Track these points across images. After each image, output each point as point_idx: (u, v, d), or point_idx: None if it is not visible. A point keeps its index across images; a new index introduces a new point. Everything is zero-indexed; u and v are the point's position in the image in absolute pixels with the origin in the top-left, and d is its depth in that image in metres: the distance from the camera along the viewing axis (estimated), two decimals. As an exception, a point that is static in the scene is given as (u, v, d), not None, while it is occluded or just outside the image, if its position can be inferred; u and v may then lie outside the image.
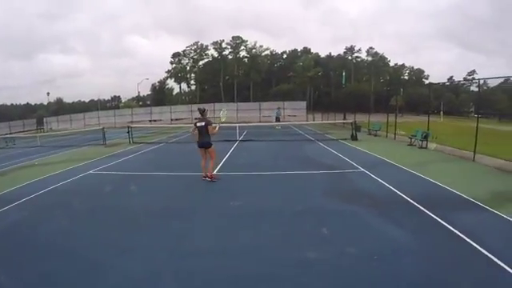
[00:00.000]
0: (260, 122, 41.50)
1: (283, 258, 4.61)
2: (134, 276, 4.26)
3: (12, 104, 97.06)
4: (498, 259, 4.31)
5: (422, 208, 6.52)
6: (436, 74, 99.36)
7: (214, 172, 9.59)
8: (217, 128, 9.71)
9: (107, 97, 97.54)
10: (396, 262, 4.42)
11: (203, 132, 9.26)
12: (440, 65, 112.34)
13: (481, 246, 4.70)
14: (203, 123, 9.31)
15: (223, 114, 11.16)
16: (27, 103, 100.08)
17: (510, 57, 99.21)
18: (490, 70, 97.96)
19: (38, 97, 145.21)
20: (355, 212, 6.49)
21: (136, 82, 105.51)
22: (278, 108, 36.15)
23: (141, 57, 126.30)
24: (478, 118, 13.06)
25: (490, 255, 4.44)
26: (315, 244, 5.04)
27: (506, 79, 48.38)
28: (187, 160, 12.97)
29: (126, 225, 6.23)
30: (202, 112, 9.56)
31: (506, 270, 4.09)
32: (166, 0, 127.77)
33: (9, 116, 64.49)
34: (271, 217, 6.39)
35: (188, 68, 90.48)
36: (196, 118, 9.88)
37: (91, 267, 4.49)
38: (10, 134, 42.29)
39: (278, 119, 32.72)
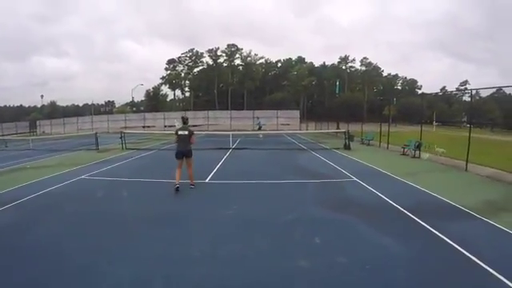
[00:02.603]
0: (254, 130, 41.52)
1: (274, 267, 4.55)
2: (123, 282, 4.19)
3: (5, 106, 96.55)
4: (490, 268, 4.32)
5: (414, 217, 6.51)
6: (428, 84, 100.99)
7: (207, 180, 9.53)
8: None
9: (101, 101, 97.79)
10: (388, 272, 4.38)
11: (186, 141, 9.26)
12: (432, 74, 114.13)
13: (473, 255, 4.70)
14: (186, 132, 9.33)
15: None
16: (21, 105, 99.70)
17: (501, 67, 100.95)
18: (482, 79, 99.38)
19: (32, 99, 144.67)
20: (347, 221, 6.46)
21: (129, 87, 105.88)
22: (258, 117, 36.24)
23: (134, 62, 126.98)
24: (470, 127, 13.15)
25: (482, 264, 4.45)
26: (307, 253, 4.99)
27: (498, 89, 48.93)
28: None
29: (116, 231, 6.14)
30: (186, 120, 9.85)
31: (497, 278, 4.10)
32: (159, 6, 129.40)
33: (1, 118, 63.95)
34: (262, 225, 6.33)
35: (183, 75, 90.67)
36: (176, 127, 9.99)
37: (80, 273, 4.41)
38: (3, 136, 41.90)
39: (259, 128, 32.74)
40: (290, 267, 4.55)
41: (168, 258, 4.91)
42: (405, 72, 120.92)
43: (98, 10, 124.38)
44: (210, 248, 5.24)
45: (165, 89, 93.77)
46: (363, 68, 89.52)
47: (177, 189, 8.85)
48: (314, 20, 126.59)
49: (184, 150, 9.23)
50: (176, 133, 9.43)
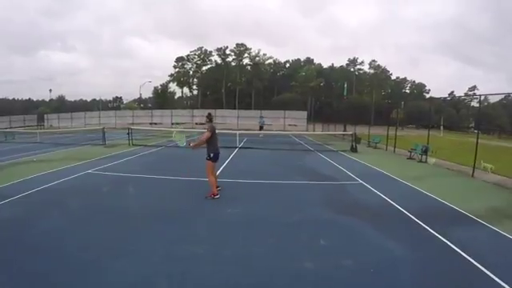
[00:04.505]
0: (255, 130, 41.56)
1: (278, 268, 4.58)
2: (126, 279, 4.22)
3: (14, 99, 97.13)
4: (493, 274, 4.32)
5: (419, 221, 6.51)
6: (436, 88, 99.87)
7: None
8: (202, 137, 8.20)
9: (109, 97, 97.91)
10: (392, 275, 4.40)
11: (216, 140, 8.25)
12: (440, 78, 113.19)
13: (477, 261, 4.70)
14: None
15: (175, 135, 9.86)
16: (29, 99, 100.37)
17: (509, 72, 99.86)
18: (490, 84, 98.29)
19: (40, 93, 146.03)
20: (352, 224, 6.47)
21: (137, 84, 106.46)
22: (261, 117, 35.91)
23: (142, 59, 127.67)
24: (477, 133, 13.09)
25: (485, 270, 4.45)
26: (311, 255, 5.01)
27: (507, 95, 48.54)
28: (186, 165, 12.98)
29: (121, 226, 6.19)
30: (212, 118, 8.53)
31: (500, 284, 4.10)
32: (167, 4, 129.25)
33: (10, 110, 64.35)
34: (268, 226, 6.36)
35: (191, 73, 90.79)
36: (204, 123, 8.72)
37: (84, 268, 4.45)
38: (11, 128, 42.25)
39: (261, 128, 32.71)
40: (295, 268, 4.57)
41: (172, 255, 4.95)
42: (413, 76, 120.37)
43: (105, 6, 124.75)
44: (214, 246, 5.27)
45: (173, 86, 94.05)
46: (372, 71, 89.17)
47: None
48: (321, 21, 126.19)
49: (219, 151, 8.36)
50: (213, 131, 8.13)
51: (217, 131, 8.39)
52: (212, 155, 8.10)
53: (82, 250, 5.04)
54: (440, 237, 5.69)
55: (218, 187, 8.32)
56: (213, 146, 8.13)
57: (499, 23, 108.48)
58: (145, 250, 5.08)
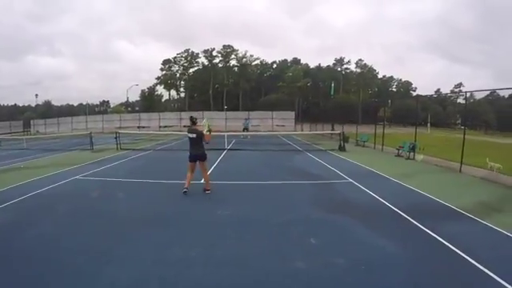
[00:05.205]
0: (248, 131, 41.56)
1: (271, 268, 4.55)
2: (118, 284, 4.16)
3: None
4: (485, 268, 4.37)
5: (409, 218, 6.56)
6: (422, 86, 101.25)
7: (202, 181, 9.41)
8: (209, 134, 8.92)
9: (95, 101, 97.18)
10: (383, 272, 4.40)
11: (195, 144, 8.69)
12: (427, 76, 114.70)
13: (467, 255, 4.76)
14: (195, 135, 8.67)
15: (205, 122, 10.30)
16: (15, 104, 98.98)
17: (496, 69, 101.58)
18: (477, 81, 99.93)
19: (26, 98, 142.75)
20: (343, 222, 6.48)
21: (124, 88, 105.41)
22: (246, 119, 36.17)
23: (129, 62, 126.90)
24: (464, 129, 13.24)
25: (476, 264, 4.50)
26: (303, 254, 5.00)
27: (492, 92, 49.32)
28: (175, 168, 12.87)
29: (111, 232, 6.09)
30: (195, 120, 8.94)
31: (492, 277, 4.15)
32: (154, 7, 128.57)
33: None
34: (259, 226, 6.33)
35: (178, 75, 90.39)
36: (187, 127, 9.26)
37: (75, 275, 4.37)
38: (-4, 134, 41.62)
39: (246, 129, 32.92)
40: (287, 268, 4.55)
41: (164, 258, 4.88)
42: (399, 74, 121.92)
43: (91, 9, 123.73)
44: (206, 249, 5.22)
45: (160, 89, 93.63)
46: (358, 70, 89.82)
47: (184, 192, 8.49)
48: (307, 21, 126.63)
49: (197, 153, 8.71)
50: (188, 135, 8.86)
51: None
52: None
53: (72, 256, 4.93)
54: (430, 232, 5.74)
55: (186, 188, 8.59)
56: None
57: (486, 20, 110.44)
58: (136, 255, 5.01)
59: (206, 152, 8.94)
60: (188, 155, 8.84)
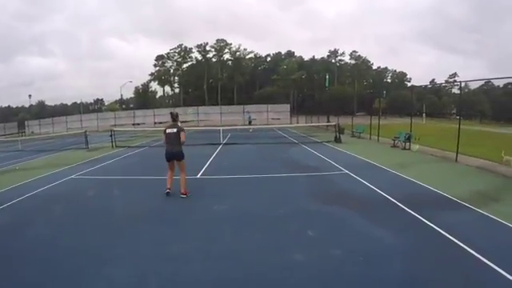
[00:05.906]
0: (244, 125, 41.48)
1: (269, 261, 4.54)
2: (117, 281, 4.14)
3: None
4: (483, 256, 4.37)
5: (406, 208, 6.56)
6: (417, 76, 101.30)
7: (198, 176, 9.33)
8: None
9: (89, 99, 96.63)
10: (381, 263, 4.40)
11: (174, 140, 8.09)
12: (421, 67, 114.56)
13: (465, 244, 4.75)
14: (175, 129, 8.12)
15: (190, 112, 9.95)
16: (8, 106, 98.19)
17: (489, 58, 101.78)
18: (471, 71, 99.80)
19: (19, 99, 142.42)
20: (340, 213, 6.48)
21: (118, 85, 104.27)
22: (247, 112, 36.30)
23: (121, 59, 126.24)
24: (459, 119, 13.24)
25: (474, 253, 4.50)
26: (301, 246, 4.99)
27: (487, 81, 49.44)
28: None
29: (109, 230, 6.06)
30: (175, 117, 8.36)
31: (490, 266, 4.15)
32: (144, 2, 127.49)
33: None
34: (256, 220, 6.32)
35: (172, 71, 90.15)
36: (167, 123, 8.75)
37: (73, 275, 4.33)
38: (-10, 137, 41.26)
39: (250, 122, 33.27)
40: (285, 261, 4.54)
41: (161, 255, 4.86)
42: (394, 65, 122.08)
43: (81, 8, 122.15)
44: (203, 244, 5.21)
45: (154, 85, 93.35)
46: (353, 61, 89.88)
47: (167, 194, 8.06)
48: (300, 13, 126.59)
49: (173, 151, 8.11)
50: (164, 131, 8.32)
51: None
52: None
53: (68, 256, 4.90)
54: (428, 222, 5.74)
55: (168, 189, 8.17)
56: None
57: (479, 10, 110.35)
58: (134, 252, 4.99)
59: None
60: (164, 154, 8.32)
